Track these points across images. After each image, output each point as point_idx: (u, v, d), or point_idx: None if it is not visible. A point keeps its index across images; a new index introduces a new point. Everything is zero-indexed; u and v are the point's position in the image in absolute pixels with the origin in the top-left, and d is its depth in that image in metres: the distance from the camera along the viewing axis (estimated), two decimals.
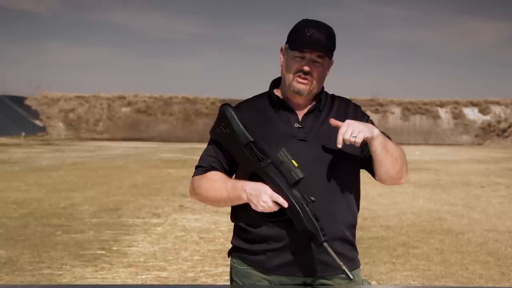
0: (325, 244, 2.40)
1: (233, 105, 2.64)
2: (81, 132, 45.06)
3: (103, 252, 7.54)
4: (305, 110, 2.63)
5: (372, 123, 2.63)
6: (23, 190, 13.22)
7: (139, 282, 6.24)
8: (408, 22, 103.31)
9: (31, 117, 44.56)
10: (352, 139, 2.41)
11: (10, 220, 9.52)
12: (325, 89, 2.71)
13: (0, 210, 10.48)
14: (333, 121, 2.48)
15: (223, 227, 9.25)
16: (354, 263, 2.64)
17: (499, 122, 46.11)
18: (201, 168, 2.65)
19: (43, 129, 44.13)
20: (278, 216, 2.47)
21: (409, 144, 42.02)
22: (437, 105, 47.92)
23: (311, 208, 2.41)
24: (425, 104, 47.75)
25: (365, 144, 2.53)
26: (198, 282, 6.25)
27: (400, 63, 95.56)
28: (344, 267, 2.38)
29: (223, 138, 2.57)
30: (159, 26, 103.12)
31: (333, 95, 2.74)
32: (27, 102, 46.16)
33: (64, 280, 6.26)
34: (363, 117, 2.67)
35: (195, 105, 47.47)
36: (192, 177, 2.68)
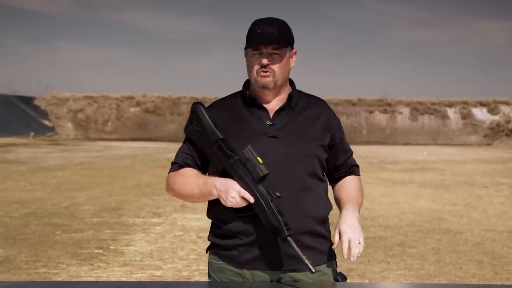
0: (289, 238, 2.46)
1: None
2: (89, 132, 45.28)
3: (101, 251, 7.61)
4: (276, 108, 2.70)
5: (340, 124, 2.80)
6: (27, 190, 13.32)
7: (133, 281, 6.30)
8: (418, 23, 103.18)
9: (40, 117, 44.80)
10: (361, 248, 2.56)
11: (11, 219, 9.61)
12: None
13: (2, 209, 10.58)
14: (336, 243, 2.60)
15: None
16: (326, 257, 2.70)
17: (508, 122, 45.96)
18: (176, 165, 2.73)
19: (52, 129, 44.37)
20: (247, 211, 2.54)
21: (417, 144, 42.02)
22: (446, 105, 47.78)
23: (276, 204, 2.48)
24: (433, 104, 47.63)
25: (332, 146, 2.71)
26: (191, 281, 6.31)
27: (409, 63, 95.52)
28: (306, 261, 2.44)
29: (195, 135, 2.65)
30: (167, 26, 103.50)
31: (306, 94, 2.81)
32: (36, 102, 46.44)
33: (59, 279, 6.32)
34: (335, 121, 2.79)
35: None
36: (168, 173, 2.76)
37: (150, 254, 7.51)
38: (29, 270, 6.67)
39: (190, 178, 2.64)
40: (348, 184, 2.80)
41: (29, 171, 17.84)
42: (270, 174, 2.49)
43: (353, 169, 2.85)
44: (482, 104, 47.54)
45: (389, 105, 46.93)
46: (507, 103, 47.46)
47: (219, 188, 2.52)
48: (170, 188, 2.74)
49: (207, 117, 2.59)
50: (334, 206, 2.77)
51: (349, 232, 2.54)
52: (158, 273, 6.65)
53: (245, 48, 2.67)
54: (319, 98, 2.82)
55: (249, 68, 2.67)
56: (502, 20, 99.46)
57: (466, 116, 46.99)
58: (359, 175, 2.88)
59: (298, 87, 2.78)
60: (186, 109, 47.28)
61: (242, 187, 2.49)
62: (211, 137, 2.56)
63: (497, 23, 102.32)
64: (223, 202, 2.53)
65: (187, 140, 2.72)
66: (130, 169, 18.94)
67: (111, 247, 7.82)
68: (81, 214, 10.22)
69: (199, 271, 6.69)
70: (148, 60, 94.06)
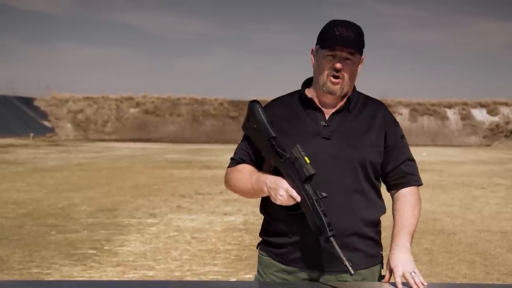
0: (331, 239, 2.47)
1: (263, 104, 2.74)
2: (89, 133, 45.26)
3: (94, 251, 7.64)
4: (333, 110, 2.70)
5: (397, 128, 2.79)
6: (24, 191, 13.36)
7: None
8: (417, 23, 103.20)
9: (39, 118, 44.81)
10: (417, 278, 2.54)
11: (6, 220, 9.64)
12: None
13: None
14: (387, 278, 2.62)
15: (217, 227, 9.33)
16: (373, 260, 2.74)
17: (507, 123, 45.93)
18: (234, 161, 2.79)
19: (51, 130, 44.36)
20: (297, 210, 2.57)
21: (417, 145, 41.94)
22: (445, 106, 47.78)
23: (321, 204, 2.49)
24: (433, 105, 47.63)
25: (385, 147, 2.70)
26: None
27: (409, 64, 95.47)
28: (346, 262, 2.43)
29: (251, 132, 2.70)
30: (168, 27, 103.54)
31: (366, 96, 2.80)
32: (36, 103, 46.45)
33: (51, 279, 6.34)
34: (390, 124, 2.78)
35: (203, 106, 47.57)
36: (227, 168, 2.82)
37: (144, 254, 7.54)
38: (22, 270, 6.70)
39: (245, 174, 2.69)
40: (401, 202, 2.77)
41: (27, 171, 17.88)
42: (319, 174, 2.50)
43: (409, 179, 2.77)
44: (481, 105, 47.52)
45: (389, 106, 46.88)
46: (506, 104, 47.46)
47: (269, 186, 2.55)
48: (227, 184, 2.80)
49: (262, 115, 2.63)
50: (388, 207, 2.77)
51: (399, 267, 2.56)
52: (151, 273, 6.68)
53: (319, 48, 2.64)
54: (377, 100, 2.81)
55: (320, 70, 2.65)
56: (501, 21, 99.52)
57: (465, 117, 46.99)
58: (418, 185, 2.80)
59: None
60: (185, 110, 47.34)
61: (291, 186, 2.51)
62: (264, 135, 2.61)
63: (497, 23, 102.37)
64: (272, 200, 2.56)
65: (245, 137, 2.77)
66: (128, 170, 18.96)
67: (105, 248, 7.85)
68: (76, 215, 10.26)
69: (192, 271, 6.71)
70: (148, 61, 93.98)
